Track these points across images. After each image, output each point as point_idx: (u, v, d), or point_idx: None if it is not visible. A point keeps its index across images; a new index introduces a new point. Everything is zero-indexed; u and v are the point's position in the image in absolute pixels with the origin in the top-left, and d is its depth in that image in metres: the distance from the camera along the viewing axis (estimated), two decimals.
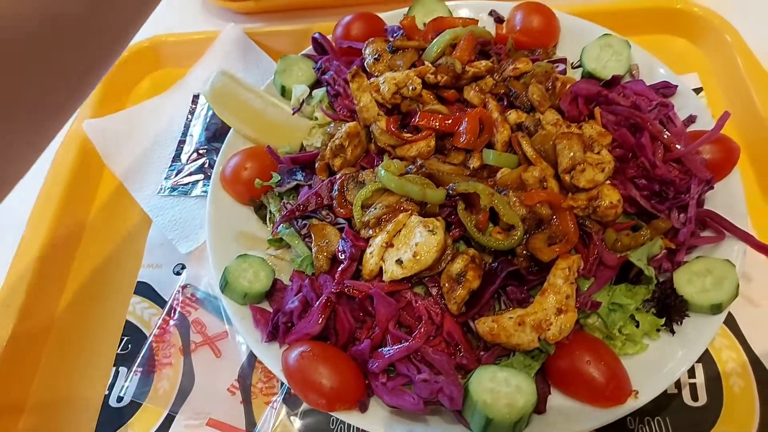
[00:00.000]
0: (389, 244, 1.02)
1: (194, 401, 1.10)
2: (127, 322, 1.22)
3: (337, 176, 1.13)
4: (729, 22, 1.43)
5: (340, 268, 1.03)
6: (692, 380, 1.05)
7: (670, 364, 0.95)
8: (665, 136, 1.09)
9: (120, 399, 1.13)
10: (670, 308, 0.99)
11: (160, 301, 1.24)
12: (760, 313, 1.10)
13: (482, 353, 0.98)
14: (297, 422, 1.07)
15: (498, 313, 0.97)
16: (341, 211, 1.09)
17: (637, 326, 0.99)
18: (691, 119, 1.21)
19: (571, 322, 0.94)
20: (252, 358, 1.14)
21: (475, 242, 1.02)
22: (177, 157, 1.45)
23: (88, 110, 1.49)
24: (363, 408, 0.95)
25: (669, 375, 0.94)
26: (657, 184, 1.06)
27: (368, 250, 1.03)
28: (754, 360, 1.06)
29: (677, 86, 1.24)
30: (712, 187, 1.09)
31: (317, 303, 1.00)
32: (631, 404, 0.91)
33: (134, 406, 1.12)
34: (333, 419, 1.06)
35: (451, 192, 1.04)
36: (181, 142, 1.47)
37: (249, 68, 1.53)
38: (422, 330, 0.96)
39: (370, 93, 1.19)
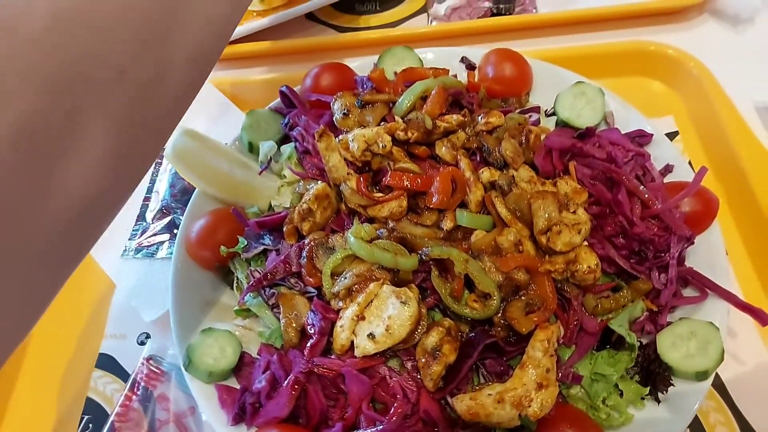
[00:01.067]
0: (360, 317, 0.97)
1: None
2: (89, 399, 1.15)
3: (306, 241, 1.08)
4: (703, 63, 1.41)
5: (309, 344, 0.98)
6: None
7: None
8: (643, 193, 1.06)
9: None
10: (655, 376, 0.95)
11: (123, 375, 1.18)
12: (748, 373, 1.07)
13: (461, 431, 0.93)
14: None
15: (476, 388, 0.93)
16: (310, 279, 1.05)
17: (621, 395, 0.95)
18: (668, 169, 1.18)
19: (553, 397, 0.90)
20: None
21: (450, 311, 0.98)
22: (142, 215, 1.39)
23: None
24: None
25: None
26: (636, 242, 1.03)
27: (339, 323, 0.98)
28: (743, 424, 1.02)
29: (653, 135, 1.22)
30: (692, 243, 1.06)
31: (286, 383, 0.95)
32: None
33: None
34: None
35: (424, 258, 1.00)
36: (146, 200, 1.42)
37: (215, 120, 1.48)
38: (397, 410, 0.91)
39: (339, 152, 1.15)
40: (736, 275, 1.17)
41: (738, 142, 1.28)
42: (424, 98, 1.24)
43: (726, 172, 1.29)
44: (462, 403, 0.90)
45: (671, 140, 1.28)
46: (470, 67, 1.41)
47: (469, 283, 0.99)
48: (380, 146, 1.13)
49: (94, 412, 1.14)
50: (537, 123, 1.29)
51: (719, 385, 1.06)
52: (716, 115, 1.33)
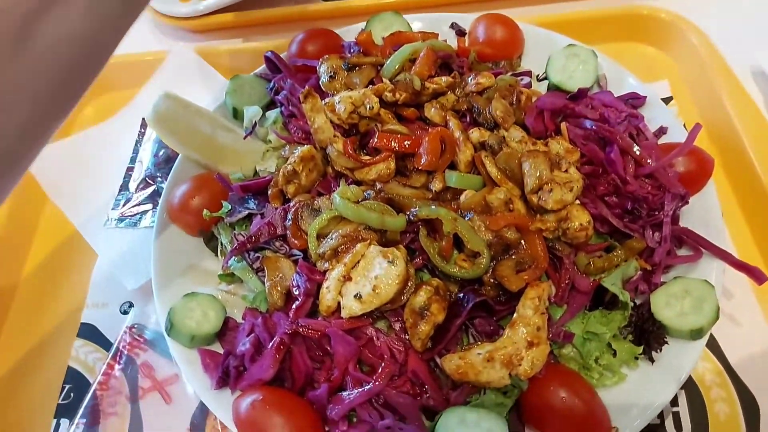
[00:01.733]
0: (347, 278, 0.94)
1: None
2: (69, 369, 1.12)
3: (291, 204, 1.05)
4: (698, 26, 1.39)
5: (294, 306, 0.95)
6: (675, 408, 0.99)
7: (651, 395, 0.89)
8: (635, 151, 1.03)
9: None
10: (649, 335, 0.93)
11: (105, 344, 1.15)
12: (743, 333, 1.04)
13: (451, 392, 0.90)
14: None
15: (465, 348, 0.90)
16: (296, 242, 1.02)
17: (615, 355, 0.93)
18: (662, 131, 1.15)
19: (544, 355, 0.88)
20: (204, 404, 1.05)
21: (439, 271, 0.95)
22: (125, 185, 1.36)
23: None
24: None
25: (651, 407, 0.88)
26: (629, 201, 1.01)
27: (325, 285, 0.95)
28: (739, 384, 1.00)
29: (646, 96, 1.19)
30: (687, 202, 1.03)
31: (270, 345, 0.92)
32: None
33: None
34: None
35: (412, 218, 0.97)
36: (129, 170, 1.38)
37: (200, 89, 1.44)
38: (385, 370, 0.89)
39: (325, 113, 1.12)
40: (732, 237, 1.14)
41: (734, 106, 1.25)
42: (412, 61, 1.20)
43: (721, 135, 1.26)
44: (451, 363, 0.88)
45: (666, 105, 1.25)
46: (460, 33, 1.38)
47: (458, 244, 0.96)
48: (367, 108, 1.10)
49: (76, 381, 1.11)
50: (528, 87, 1.25)
51: (714, 347, 1.04)
52: (712, 79, 1.31)
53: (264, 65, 1.33)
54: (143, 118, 1.45)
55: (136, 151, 1.41)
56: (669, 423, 0.98)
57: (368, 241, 0.96)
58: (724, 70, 1.30)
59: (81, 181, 1.37)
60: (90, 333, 1.16)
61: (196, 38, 1.68)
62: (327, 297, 0.94)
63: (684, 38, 1.38)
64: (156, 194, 1.32)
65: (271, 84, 1.27)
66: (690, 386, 1.01)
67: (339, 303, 0.94)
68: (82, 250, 1.28)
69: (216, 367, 0.96)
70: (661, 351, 0.92)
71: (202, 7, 1.61)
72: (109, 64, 1.51)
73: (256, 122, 1.23)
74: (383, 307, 0.93)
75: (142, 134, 1.44)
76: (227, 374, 0.95)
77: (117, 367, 1.10)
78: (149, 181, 1.34)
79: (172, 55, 1.50)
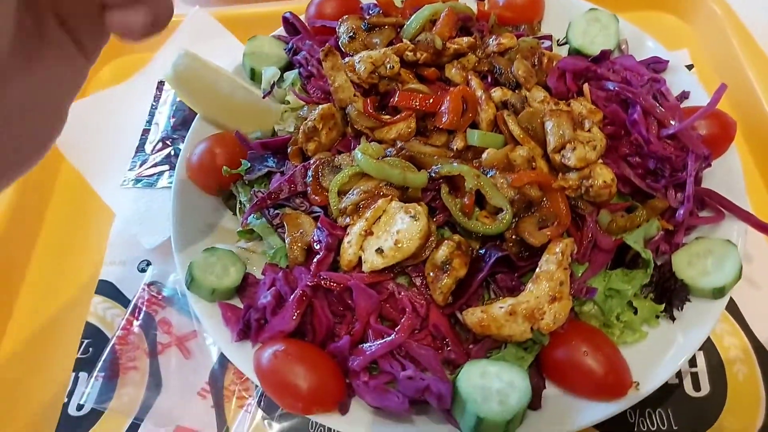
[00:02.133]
0: (368, 232, 0.94)
1: (161, 407, 1.02)
2: (88, 324, 1.13)
3: (312, 161, 1.05)
4: None
5: (315, 260, 0.95)
6: (693, 369, 1.00)
7: (671, 352, 0.90)
8: (659, 111, 1.03)
9: (80, 407, 1.04)
10: (670, 293, 0.93)
11: (123, 301, 1.15)
12: (763, 296, 1.04)
13: (471, 346, 0.91)
14: (274, 426, 0.99)
15: (487, 302, 0.90)
16: (316, 198, 1.02)
17: (636, 313, 0.93)
18: (683, 95, 1.15)
19: (566, 310, 0.88)
20: (224, 358, 1.06)
21: (460, 228, 0.95)
22: (141, 147, 1.36)
23: None
24: (343, 410, 0.88)
25: (671, 364, 0.88)
26: (652, 161, 1.00)
27: (346, 240, 0.95)
28: (758, 346, 1.01)
29: (668, 61, 1.18)
30: (709, 165, 1.03)
31: (292, 297, 0.92)
32: (633, 396, 0.85)
33: (96, 414, 1.03)
34: (312, 422, 0.99)
35: (433, 175, 0.97)
36: (146, 131, 1.38)
37: (217, 52, 1.43)
38: (406, 323, 0.89)
39: (345, 73, 1.11)
40: (753, 205, 1.13)
41: (756, 74, 1.25)
42: (432, 23, 1.19)
43: (742, 102, 1.25)
44: (473, 316, 0.88)
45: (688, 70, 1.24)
46: None
47: (479, 201, 0.96)
48: (388, 67, 1.09)
49: (94, 336, 1.11)
50: (549, 51, 1.24)
51: (734, 309, 1.04)
52: (734, 48, 1.30)
53: (281, 27, 1.32)
54: (159, 81, 1.45)
55: (151, 114, 1.41)
56: (687, 383, 0.98)
57: (390, 196, 0.96)
58: (746, 38, 1.30)
59: (97, 142, 1.37)
60: (108, 290, 1.17)
61: (211, 2, 1.66)
62: (348, 251, 0.94)
63: (706, 6, 1.37)
64: (172, 156, 1.32)
65: (290, 45, 1.26)
66: (708, 347, 1.01)
67: (360, 258, 0.94)
68: (99, 210, 1.28)
69: (237, 320, 0.96)
70: (682, 309, 0.92)
71: None
72: None
73: (274, 83, 1.22)
74: (404, 262, 0.93)
75: (157, 97, 1.43)
76: (248, 327, 0.95)
77: (135, 323, 1.11)
78: (165, 143, 1.34)
79: (188, 18, 1.49)
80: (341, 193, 0.99)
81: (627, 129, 1.04)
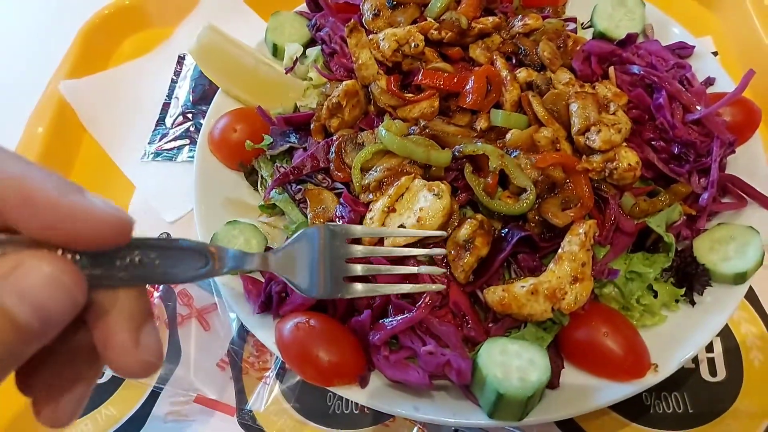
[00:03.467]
0: (391, 209, 0.95)
1: (181, 377, 1.03)
2: None
3: (335, 138, 1.05)
4: None
5: None
6: (710, 354, 1.00)
7: (690, 336, 0.90)
8: (685, 96, 1.02)
9: (101, 375, 1.05)
10: (691, 277, 0.93)
11: None
12: None
13: (491, 325, 0.91)
14: (292, 398, 1.00)
15: (508, 282, 0.91)
16: (339, 174, 1.02)
17: (656, 296, 0.94)
18: (709, 81, 1.14)
19: (588, 291, 0.88)
20: (243, 331, 1.07)
21: (483, 207, 0.95)
22: (161, 120, 1.36)
23: (65, 72, 1.39)
24: (363, 383, 0.89)
25: (690, 347, 0.88)
26: (676, 146, 1.00)
27: (368, 216, 0.96)
28: None
29: (694, 47, 1.17)
30: (733, 151, 1.03)
31: None
32: (651, 379, 0.86)
33: (116, 382, 1.05)
34: (331, 395, 1.00)
35: (457, 154, 0.97)
36: (166, 105, 1.39)
37: (237, 28, 1.42)
38: (427, 300, 0.89)
39: (369, 50, 1.11)
40: None
41: None
42: (457, 2, 1.19)
43: (767, 91, 1.24)
44: (494, 295, 0.88)
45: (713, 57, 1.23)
46: None
47: (502, 182, 0.96)
48: (412, 46, 1.09)
49: None
50: (574, 33, 1.23)
51: (752, 297, 1.04)
52: (758, 33, 1.29)
53: (303, 4, 1.31)
54: (180, 55, 1.45)
55: (172, 88, 1.41)
56: (704, 368, 0.99)
57: (413, 174, 0.96)
58: None
59: (118, 115, 1.37)
60: None
61: None
62: (371, 227, 0.94)
63: None
64: (192, 130, 1.33)
65: (313, 21, 1.25)
66: (726, 334, 1.01)
67: None
68: (119, 183, 1.29)
69: (258, 292, 0.97)
70: (702, 294, 0.93)
71: None
72: (147, 0, 1.51)
73: (296, 59, 1.22)
74: (427, 239, 0.93)
75: (178, 71, 1.44)
76: (269, 300, 0.96)
77: (155, 294, 1.12)
78: (186, 117, 1.35)
79: None
80: (364, 170, 1.00)
81: (651, 113, 1.03)
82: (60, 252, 0.43)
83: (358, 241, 0.91)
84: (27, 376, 0.48)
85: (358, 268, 0.75)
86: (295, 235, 0.70)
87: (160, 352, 0.49)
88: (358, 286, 0.75)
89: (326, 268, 0.71)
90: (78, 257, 0.44)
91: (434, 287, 0.86)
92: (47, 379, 0.48)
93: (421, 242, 0.93)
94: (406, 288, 0.84)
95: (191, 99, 1.36)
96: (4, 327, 0.39)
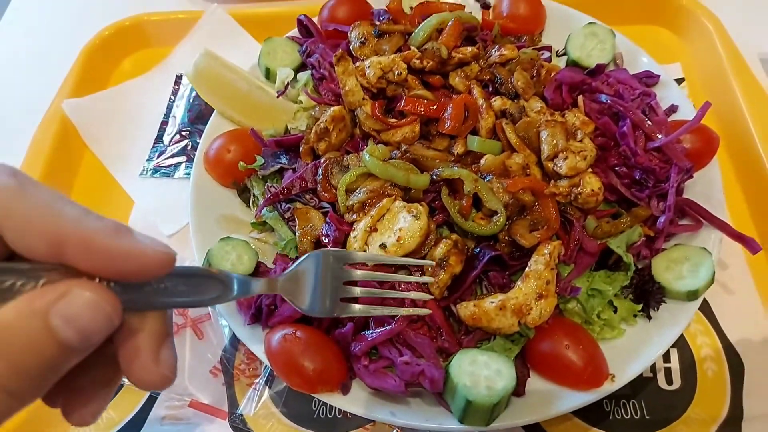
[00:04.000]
0: (373, 229, 1.02)
1: (176, 383, 1.08)
2: None
3: (322, 160, 1.12)
4: (713, 12, 1.44)
5: None
6: (667, 365, 1.08)
7: (646, 348, 0.98)
8: (647, 125, 1.10)
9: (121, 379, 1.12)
10: (648, 294, 1.01)
11: None
12: (735, 300, 1.13)
13: (463, 337, 0.99)
14: (279, 403, 1.08)
15: (479, 297, 0.99)
16: (325, 195, 1.09)
17: (615, 312, 1.01)
18: (672, 109, 1.22)
19: (551, 306, 0.96)
20: (235, 340, 1.14)
21: (458, 228, 1.03)
22: (159, 138, 1.43)
23: (68, 91, 1.46)
24: (345, 390, 0.96)
25: (645, 359, 0.96)
26: (638, 172, 1.08)
27: (352, 234, 1.03)
28: (728, 346, 1.09)
29: (660, 76, 1.25)
30: (691, 176, 1.10)
31: None
32: (608, 387, 0.93)
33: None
34: (315, 401, 1.07)
35: (435, 177, 1.04)
36: (164, 124, 1.46)
37: (232, 50, 1.50)
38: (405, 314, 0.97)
39: (356, 77, 1.18)
40: (730, 213, 1.22)
41: (742, 90, 1.32)
42: (439, 31, 1.27)
43: (728, 117, 1.33)
44: (466, 309, 0.96)
45: (677, 85, 1.32)
46: (485, 6, 1.43)
47: (476, 204, 1.04)
48: (396, 74, 1.17)
49: None
50: (548, 61, 1.32)
51: (708, 311, 1.12)
52: (722, 64, 1.37)
53: (295, 29, 1.39)
54: (177, 75, 1.52)
55: (169, 107, 1.48)
56: (661, 377, 1.07)
57: (394, 196, 1.04)
58: (735, 56, 1.36)
59: (118, 132, 1.44)
60: None
61: (227, 0, 1.73)
62: (354, 245, 1.02)
63: (698, 23, 1.44)
64: (188, 148, 1.40)
65: (303, 47, 1.33)
66: (682, 346, 1.09)
67: (365, 252, 1.02)
68: (119, 198, 1.36)
69: (249, 305, 1.05)
70: (658, 310, 1.01)
71: None
72: (145, 21, 1.59)
73: (288, 83, 1.30)
74: (405, 257, 1.01)
75: (175, 91, 1.51)
76: (259, 312, 1.03)
77: None
78: (182, 135, 1.42)
79: (206, 15, 1.56)
80: (349, 191, 1.07)
81: (617, 140, 1.11)
82: (98, 280, 0.50)
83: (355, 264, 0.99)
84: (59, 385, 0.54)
85: (356, 291, 0.84)
86: (300, 260, 0.78)
87: (175, 366, 0.57)
88: (355, 307, 0.84)
89: (327, 290, 0.80)
90: (113, 284, 0.51)
91: (421, 311, 0.94)
92: (77, 385, 0.56)
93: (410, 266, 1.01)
94: (401, 311, 0.92)
95: (188, 118, 1.44)
96: (50, 345, 0.46)
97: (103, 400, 0.58)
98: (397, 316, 0.97)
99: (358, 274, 0.86)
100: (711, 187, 1.12)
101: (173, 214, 1.30)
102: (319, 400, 1.07)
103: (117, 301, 0.50)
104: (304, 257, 0.79)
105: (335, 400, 0.96)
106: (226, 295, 0.61)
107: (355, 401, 0.96)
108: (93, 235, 0.49)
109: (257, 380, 1.10)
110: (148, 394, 1.10)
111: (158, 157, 1.40)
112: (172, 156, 1.39)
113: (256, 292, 0.67)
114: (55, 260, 0.49)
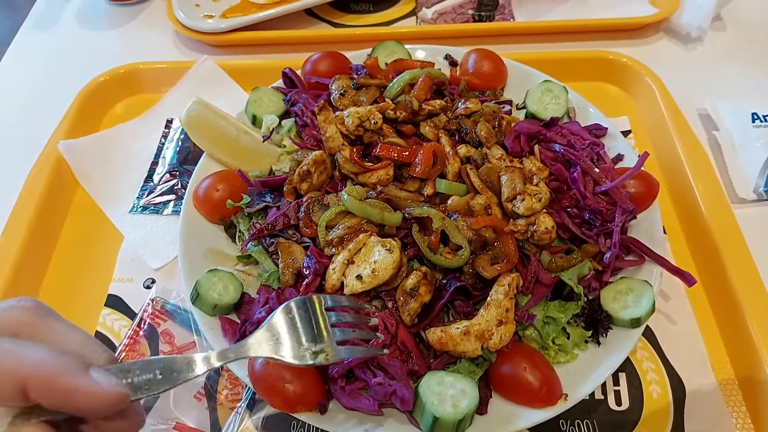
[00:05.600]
0: (350, 261, 1.12)
1: (161, 407, 1.16)
2: (97, 333, 1.27)
3: (304, 199, 1.23)
4: (654, 72, 1.62)
5: (304, 282, 1.12)
6: (617, 387, 1.18)
7: (595, 371, 1.08)
8: (595, 172, 1.24)
9: None
10: (597, 322, 1.12)
11: (129, 313, 1.30)
12: (676, 329, 1.25)
13: (432, 360, 1.08)
14: (260, 426, 1.14)
15: (446, 324, 1.09)
16: (307, 231, 1.19)
17: (568, 338, 1.12)
18: (619, 157, 1.37)
19: (510, 332, 1.06)
20: (218, 366, 1.21)
21: (427, 261, 1.13)
22: (150, 177, 1.53)
23: (63, 132, 1.55)
24: (323, 410, 1.04)
25: (594, 380, 1.06)
26: (587, 213, 1.21)
27: (331, 267, 1.13)
28: (671, 370, 1.20)
29: (608, 128, 1.41)
30: (635, 217, 1.24)
31: None
32: (561, 406, 1.03)
33: None
34: (294, 422, 1.14)
35: (407, 216, 1.16)
36: (154, 164, 1.55)
37: (220, 97, 1.62)
38: (378, 339, 1.06)
39: (336, 125, 1.30)
40: (672, 250, 1.36)
41: (681, 141, 1.47)
42: (411, 85, 1.41)
43: (669, 164, 1.48)
44: (434, 335, 1.06)
45: (625, 137, 1.47)
46: (453, 63, 1.59)
47: (444, 239, 1.15)
48: (372, 123, 1.29)
49: (103, 343, 1.25)
50: (509, 114, 1.46)
51: (653, 339, 1.23)
52: (664, 117, 1.53)
53: (280, 80, 1.52)
54: (167, 119, 1.63)
55: (160, 148, 1.58)
56: (611, 398, 1.17)
57: (369, 232, 1.15)
58: (675, 111, 1.53)
59: (109, 171, 1.53)
60: (116, 303, 1.32)
61: (216, 52, 1.86)
62: (333, 276, 1.11)
63: (642, 81, 1.62)
64: (177, 187, 1.49)
65: (288, 97, 1.45)
66: (630, 370, 1.20)
67: (342, 283, 1.12)
68: (109, 233, 1.43)
69: (234, 332, 1.13)
70: (606, 336, 1.12)
71: (223, 25, 1.80)
72: (139, 70, 1.70)
73: (273, 129, 1.41)
74: (380, 287, 1.10)
75: (166, 134, 1.61)
76: (243, 338, 1.11)
77: (141, 333, 1.26)
78: (172, 174, 1.51)
79: (196, 65, 1.68)
80: (328, 228, 1.17)
81: (569, 185, 1.25)
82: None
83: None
84: None
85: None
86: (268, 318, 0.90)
87: None
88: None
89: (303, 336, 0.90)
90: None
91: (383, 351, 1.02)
92: None
93: (375, 290, 1.11)
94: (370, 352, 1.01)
95: (177, 159, 1.53)
96: None
97: None
98: (371, 341, 1.06)
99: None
100: (652, 226, 1.25)
101: (161, 249, 1.38)
102: (298, 422, 1.14)
103: None
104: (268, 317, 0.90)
105: (313, 419, 1.04)
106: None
107: (331, 420, 1.03)
108: (51, 377, 0.56)
109: (239, 404, 1.17)
110: None
111: (148, 195, 1.49)
112: (162, 194, 1.48)
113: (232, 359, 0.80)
114: (24, 402, 0.57)
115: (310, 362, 0.88)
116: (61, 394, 0.56)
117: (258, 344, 0.84)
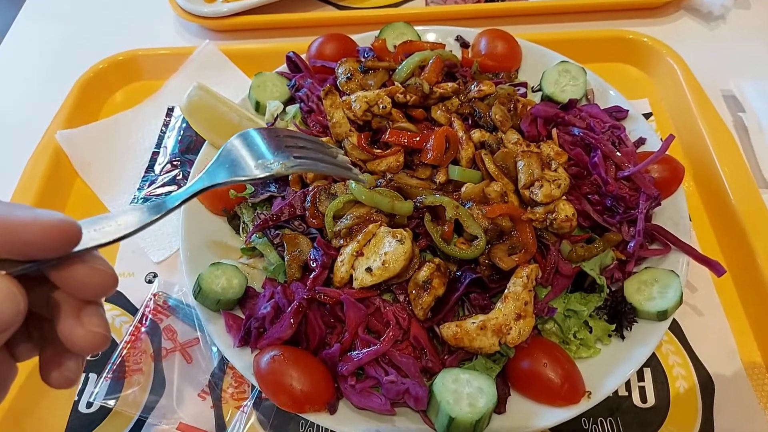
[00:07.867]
0: (359, 253, 1.06)
1: (165, 406, 1.12)
2: None
3: (310, 188, 1.17)
4: (677, 52, 1.54)
5: (311, 276, 1.07)
6: (641, 383, 1.12)
7: (620, 366, 1.02)
8: (617, 156, 1.17)
9: (89, 405, 1.14)
10: (621, 315, 1.06)
11: (131, 309, 1.26)
12: (704, 322, 1.18)
13: (446, 357, 1.03)
14: (267, 425, 1.10)
15: (461, 318, 1.03)
16: (313, 221, 1.14)
17: (591, 332, 1.06)
18: (641, 141, 1.30)
19: (530, 326, 1.00)
20: (223, 363, 1.17)
21: (440, 252, 1.08)
22: (150, 168, 1.47)
23: (61, 122, 1.50)
24: (332, 409, 0.99)
25: (619, 376, 1.01)
26: (609, 199, 1.14)
27: (339, 259, 1.07)
28: (698, 364, 1.14)
29: (628, 110, 1.34)
30: (659, 204, 1.17)
31: (289, 309, 1.04)
32: (585, 404, 0.97)
33: (104, 412, 1.13)
34: (302, 422, 1.10)
35: (418, 204, 1.10)
36: (155, 154, 1.50)
37: (222, 83, 1.57)
38: (390, 334, 1.01)
39: (343, 110, 1.24)
40: (697, 237, 1.29)
41: (705, 123, 1.40)
42: (421, 68, 1.34)
43: (693, 148, 1.41)
44: (449, 330, 1.00)
45: (646, 120, 1.40)
46: (464, 45, 1.52)
47: (457, 229, 1.09)
48: (380, 107, 1.23)
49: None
50: (524, 96, 1.39)
51: (678, 332, 1.17)
52: (687, 99, 1.46)
53: (284, 64, 1.45)
54: (168, 107, 1.57)
55: (161, 138, 1.53)
56: (636, 395, 1.11)
57: (379, 222, 1.09)
58: (698, 92, 1.46)
59: (109, 162, 1.48)
60: (117, 298, 1.27)
61: (217, 37, 1.80)
62: (341, 269, 1.06)
63: (663, 62, 1.54)
64: (179, 177, 1.44)
65: (292, 81, 1.39)
66: (655, 365, 1.14)
67: (351, 276, 1.06)
68: None
69: (238, 328, 1.08)
70: (631, 329, 1.06)
71: (225, 8, 1.74)
72: (139, 56, 1.64)
73: (277, 115, 1.35)
74: (390, 280, 1.05)
75: (167, 122, 1.55)
76: (248, 334, 1.06)
77: (142, 329, 1.21)
78: (173, 164, 1.46)
79: (198, 50, 1.62)
80: (336, 218, 1.12)
81: (589, 170, 1.18)
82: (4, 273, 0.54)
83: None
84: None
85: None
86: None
87: (105, 325, 0.62)
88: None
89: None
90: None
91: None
92: (50, 353, 0.63)
93: (385, 283, 1.05)
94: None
95: (179, 149, 1.48)
96: None
97: (73, 361, 0.63)
98: (383, 337, 1.01)
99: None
100: (678, 213, 1.18)
101: (162, 241, 1.33)
102: (306, 421, 1.09)
103: (20, 289, 0.54)
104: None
105: (322, 419, 0.99)
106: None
107: (341, 420, 0.98)
108: None
109: (245, 403, 1.12)
110: (136, 417, 1.11)
111: (149, 186, 1.44)
112: (163, 185, 1.43)
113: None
114: None
115: (266, 173, 0.84)
116: (8, 235, 0.53)
117: (215, 173, 0.82)
